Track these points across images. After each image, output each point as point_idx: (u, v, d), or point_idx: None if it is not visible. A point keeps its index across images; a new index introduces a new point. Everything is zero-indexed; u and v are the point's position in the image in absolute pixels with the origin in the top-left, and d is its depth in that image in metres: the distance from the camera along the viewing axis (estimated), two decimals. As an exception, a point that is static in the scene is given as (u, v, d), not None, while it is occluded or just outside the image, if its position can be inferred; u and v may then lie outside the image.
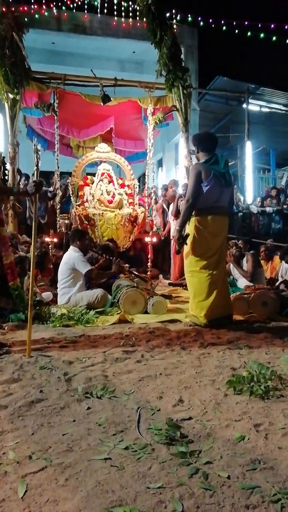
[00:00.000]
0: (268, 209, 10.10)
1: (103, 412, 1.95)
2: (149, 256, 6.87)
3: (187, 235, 3.93)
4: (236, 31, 10.15)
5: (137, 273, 5.85)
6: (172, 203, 7.49)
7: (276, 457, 1.55)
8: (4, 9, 7.07)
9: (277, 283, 5.53)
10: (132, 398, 2.13)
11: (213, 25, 10.39)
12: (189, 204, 3.89)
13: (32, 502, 1.30)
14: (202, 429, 1.78)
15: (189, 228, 4.03)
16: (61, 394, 2.18)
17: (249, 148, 10.79)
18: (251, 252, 5.34)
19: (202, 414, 1.94)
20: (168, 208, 8.19)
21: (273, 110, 13.76)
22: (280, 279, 5.65)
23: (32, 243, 3.14)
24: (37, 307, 4.32)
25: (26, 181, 8.12)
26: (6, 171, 6.72)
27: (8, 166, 7.12)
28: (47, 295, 5.05)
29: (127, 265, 5.93)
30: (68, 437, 1.71)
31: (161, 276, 7.60)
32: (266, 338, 3.46)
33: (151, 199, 8.37)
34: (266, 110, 13.69)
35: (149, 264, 6.78)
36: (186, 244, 3.93)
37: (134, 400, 2.09)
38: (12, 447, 1.63)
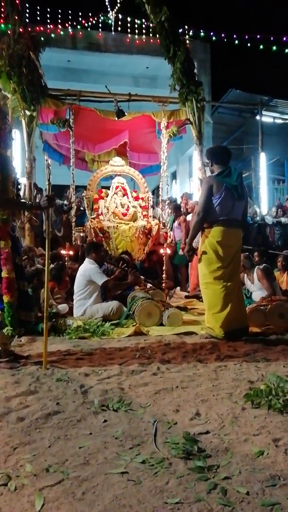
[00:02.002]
0: (283, 219, 10.01)
1: (120, 425, 1.94)
2: (163, 268, 6.87)
3: (197, 248, 3.97)
4: (248, 44, 10.25)
5: (153, 283, 5.86)
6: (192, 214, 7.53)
7: (296, 473, 1.51)
8: (21, 30, 7.29)
9: (294, 295, 5.45)
10: (148, 411, 2.11)
11: (225, 39, 10.51)
12: (200, 217, 3.95)
13: (49, 515, 1.29)
14: (220, 443, 1.75)
15: (201, 240, 4.05)
16: (78, 406, 2.18)
17: (263, 159, 10.77)
18: (261, 266, 5.26)
19: (220, 428, 1.91)
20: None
21: (287, 121, 13.74)
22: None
23: (46, 255, 3.18)
24: (53, 320, 4.35)
25: (40, 195, 8.26)
26: (19, 186, 6.85)
27: (24, 180, 7.26)
28: (63, 307, 5.08)
29: (142, 276, 5.94)
30: (85, 450, 1.70)
31: (178, 288, 7.58)
32: (284, 350, 3.41)
33: (168, 210, 8.41)
34: (280, 121, 13.67)
35: (164, 276, 6.77)
36: (197, 255, 3.98)
37: (151, 413, 2.07)
38: (29, 459, 1.64)
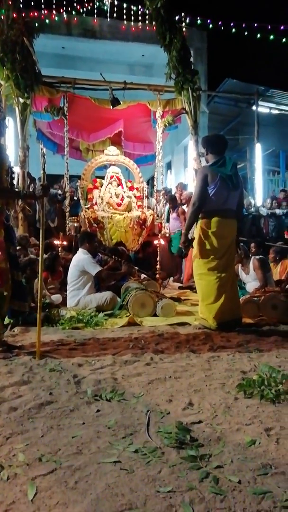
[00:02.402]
0: (278, 211, 10.03)
1: (113, 415, 1.95)
2: (158, 258, 6.86)
3: (193, 239, 3.95)
4: (246, 33, 10.12)
5: (146, 274, 5.85)
6: (187, 205, 7.49)
7: (287, 462, 1.53)
8: (15, 15, 7.14)
9: (287, 286, 5.47)
10: (141, 401, 2.12)
11: (222, 28, 10.37)
12: (195, 207, 3.93)
13: (41, 504, 1.30)
14: (212, 433, 1.76)
15: (196, 231, 4.04)
16: (71, 396, 2.18)
17: (258, 150, 10.73)
18: (257, 257, 5.28)
19: (212, 418, 1.92)
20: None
21: (283, 112, 13.67)
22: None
23: (40, 245, 3.16)
24: (47, 310, 4.34)
25: (32, 184, 8.19)
26: (14, 175, 6.77)
27: (18, 169, 7.18)
28: (56, 298, 5.07)
29: (136, 267, 5.93)
30: (78, 439, 1.71)
31: (171, 278, 7.58)
32: (276, 341, 3.43)
33: (163, 201, 8.38)
34: (276, 112, 13.61)
35: (157, 266, 6.76)
36: (193, 247, 3.95)
37: (144, 403, 2.08)
38: (21, 449, 1.64)
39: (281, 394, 2.13)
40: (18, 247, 4.98)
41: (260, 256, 5.37)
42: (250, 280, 5.30)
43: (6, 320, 3.56)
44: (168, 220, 8.26)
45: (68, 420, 1.91)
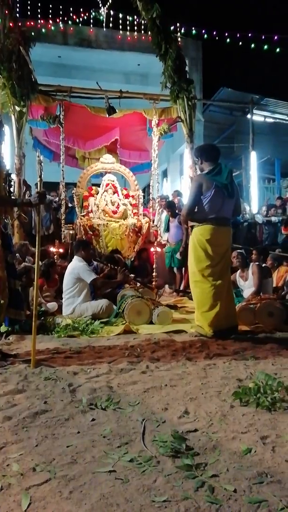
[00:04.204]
0: (273, 219, 10.08)
1: (108, 424, 1.93)
2: (154, 266, 6.86)
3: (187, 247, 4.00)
4: (240, 43, 10.26)
5: (142, 282, 5.84)
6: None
7: (283, 470, 1.52)
8: (11, 24, 7.20)
9: (283, 293, 5.48)
10: (137, 409, 2.11)
11: (217, 38, 10.51)
12: (184, 216, 4.04)
13: (35, 515, 1.28)
14: (208, 441, 1.75)
15: (191, 239, 4.05)
16: (66, 405, 2.17)
17: (253, 158, 10.81)
18: (257, 263, 5.31)
19: (208, 426, 1.92)
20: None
21: (278, 120, 13.81)
22: (286, 289, 5.60)
23: (36, 253, 3.16)
24: (42, 318, 4.32)
25: (28, 192, 8.19)
26: (12, 183, 6.78)
27: (14, 177, 7.19)
28: (52, 306, 5.04)
29: (132, 275, 5.93)
30: (73, 449, 1.70)
31: (166, 286, 7.57)
32: (273, 348, 3.43)
33: (158, 209, 8.38)
34: (271, 120, 13.74)
35: (154, 274, 6.76)
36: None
37: (139, 412, 2.07)
38: (16, 458, 1.62)
39: (277, 402, 2.13)
40: (16, 254, 4.96)
41: (264, 265, 5.37)
42: (248, 287, 5.30)
43: (3, 328, 3.54)
44: (167, 229, 7.76)
45: (63, 429, 1.89)
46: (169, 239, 7.56)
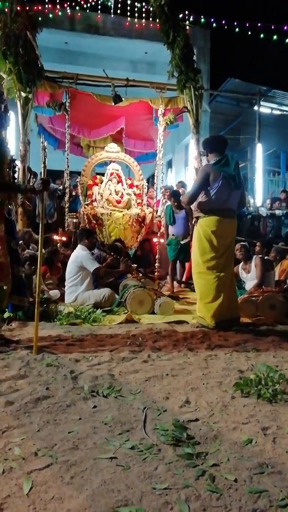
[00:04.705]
0: (277, 212, 10.03)
1: (109, 411, 1.94)
2: (157, 256, 6.85)
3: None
4: (249, 32, 10.12)
5: (144, 273, 5.84)
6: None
7: (284, 461, 1.53)
8: (18, 8, 7.09)
9: (285, 286, 5.48)
10: (138, 398, 2.11)
11: (225, 27, 10.37)
12: (185, 203, 4.16)
13: (37, 499, 1.29)
14: (209, 431, 1.76)
15: (196, 230, 4.04)
16: (67, 392, 2.17)
17: (259, 150, 10.71)
18: (259, 256, 5.29)
19: (209, 416, 1.92)
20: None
21: (285, 112, 13.65)
22: (289, 283, 5.59)
23: (39, 240, 3.15)
24: (45, 305, 4.33)
25: (34, 179, 8.16)
26: (16, 169, 6.74)
27: (18, 164, 7.15)
28: (54, 293, 5.06)
29: (134, 265, 5.92)
30: (74, 435, 1.70)
31: (168, 276, 7.57)
32: (274, 341, 3.44)
33: (162, 200, 8.33)
34: (278, 112, 13.58)
35: (156, 264, 6.76)
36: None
37: (141, 400, 2.08)
38: (17, 443, 1.63)
39: (278, 394, 2.13)
40: (20, 242, 4.95)
41: (266, 257, 5.36)
42: (251, 280, 5.29)
43: (6, 314, 3.55)
44: (172, 221, 6.71)
45: (64, 415, 1.90)
46: (175, 232, 6.65)
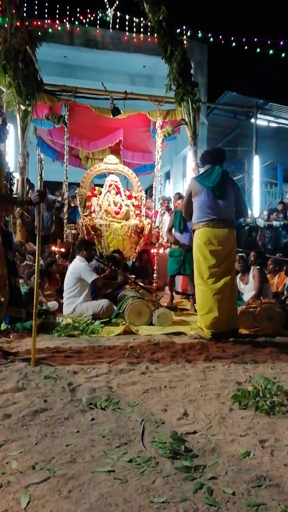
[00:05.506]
0: (274, 223, 10.09)
1: (107, 424, 1.94)
2: (155, 267, 6.86)
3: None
4: (246, 47, 10.29)
5: (142, 284, 5.85)
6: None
7: (282, 474, 1.53)
8: (18, 23, 7.23)
9: (283, 298, 5.49)
10: (136, 410, 2.11)
11: (222, 41, 10.54)
12: (184, 216, 4.41)
13: (34, 513, 1.29)
14: (207, 443, 1.76)
15: (193, 242, 4.10)
16: (65, 404, 2.17)
17: (256, 162, 10.82)
18: (258, 267, 5.31)
19: (207, 428, 1.92)
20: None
21: (281, 125, 13.83)
22: (286, 294, 5.61)
23: (37, 251, 3.17)
24: (43, 317, 4.33)
25: (31, 190, 8.21)
26: (13, 181, 6.78)
27: (17, 175, 7.20)
28: (52, 305, 5.05)
29: (133, 276, 5.93)
30: (72, 448, 1.70)
31: (166, 288, 7.57)
32: (272, 352, 3.43)
33: (161, 211, 8.38)
34: (274, 125, 13.76)
35: (154, 275, 6.76)
36: None
37: (139, 412, 2.07)
38: (15, 456, 1.63)
39: (276, 406, 2.13)
40: (16, 253, 4.96)
41: (258, 267, 5.39)
42: (249, 291, 5.31)
43: (3, 326, 3.54)
44: (181, 228, 6.06)
45: (62, 428, 1.90)
46: (185, 240, 5.94)
